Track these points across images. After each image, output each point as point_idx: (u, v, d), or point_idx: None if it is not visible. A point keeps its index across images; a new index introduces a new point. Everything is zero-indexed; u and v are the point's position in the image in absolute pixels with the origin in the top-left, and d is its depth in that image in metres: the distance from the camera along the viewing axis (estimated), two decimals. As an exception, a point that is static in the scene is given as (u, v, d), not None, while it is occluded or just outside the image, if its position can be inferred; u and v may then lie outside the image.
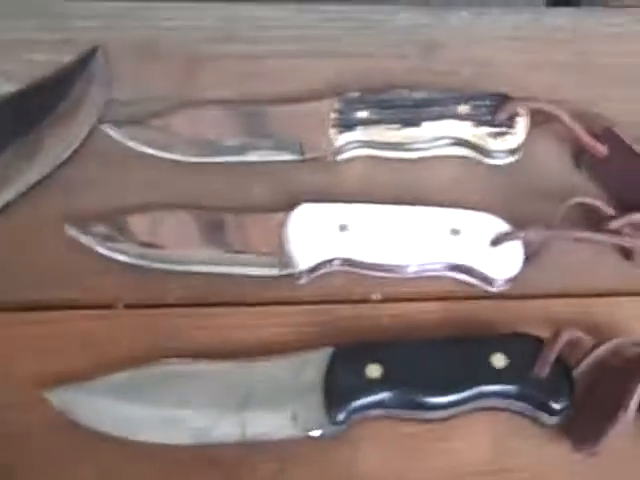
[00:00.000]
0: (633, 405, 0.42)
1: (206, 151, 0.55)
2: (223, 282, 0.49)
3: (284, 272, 0.49)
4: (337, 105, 0.54)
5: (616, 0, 0.67)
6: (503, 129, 0.53)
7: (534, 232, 0.49)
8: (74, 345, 0.47)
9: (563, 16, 0.63)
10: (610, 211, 0.50)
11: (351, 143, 0.54)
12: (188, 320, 0.48)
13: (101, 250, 0.50)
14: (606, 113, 0.55)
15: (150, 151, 0.55)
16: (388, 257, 0.49)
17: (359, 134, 0.54)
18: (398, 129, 0.54)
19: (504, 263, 0.49)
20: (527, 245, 0.49)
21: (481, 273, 0.49)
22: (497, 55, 0.60)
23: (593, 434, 0.42)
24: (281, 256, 0.49)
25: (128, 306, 0.49)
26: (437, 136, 0.54)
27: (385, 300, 0.49)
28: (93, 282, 0.50)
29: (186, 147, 0.55)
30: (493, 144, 0.53)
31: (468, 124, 0.54)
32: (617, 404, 0.42)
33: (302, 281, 0.49)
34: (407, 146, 0.54)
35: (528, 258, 0.49)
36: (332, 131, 0.54)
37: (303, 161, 0.54)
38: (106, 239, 0.50)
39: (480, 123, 0.54)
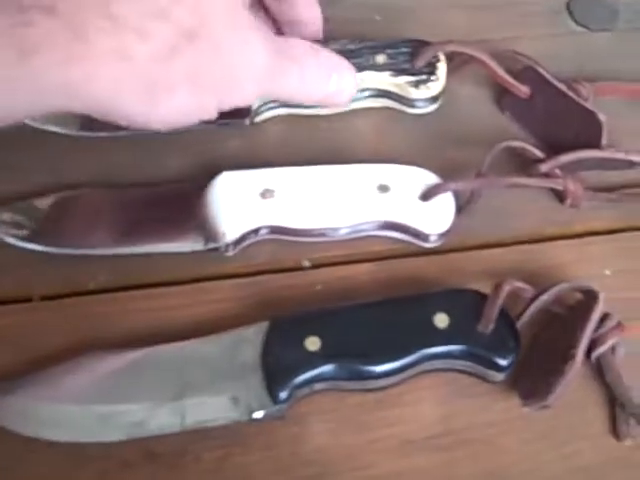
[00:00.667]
0: (580, 354, 0.41)
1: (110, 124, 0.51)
2: (146, 263, 0.46)
3: (209, 246, 0.46)
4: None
5: None
6: (423, 76, 0.52)
7: (465, 182, 0.48)
8: (-9, 344, 0.44)
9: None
10: (538, 154, 0.49)
11: (267, 103, 0.52)
12: (113, 306, 0.45)
13: (9, 240, 0.47)
14: (523, 51, 0.53)
15: (51, 128, 0.51)
16: (316, 221, 0.47)
17: None
18: None
19: (436, 217, 0.47)
20: (458, 196, 0.48)
21: (414, 229, 0.47)
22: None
23: (542, 387, 0.41)
24: (205, 230, 0.46)
25: (46, 298, 0.46)
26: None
27: (317, 266, 0.47)
28: (4, 276, 0.46)
29: (89, 121, 0.51)
30: (414, 93, 0.52)
31: (387, 74, 0.52)
32: (564, 354, 0.41)
33: (229, 253, 0.47)
34: (326, 101, 0.52)
35: (460, 209, 0.48)
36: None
37: (218, 126, 0.51)
38: (12, 227, 0.47)
39: (399, 72, 0.52)
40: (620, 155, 0.49)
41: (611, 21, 0.60)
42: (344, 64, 0.46)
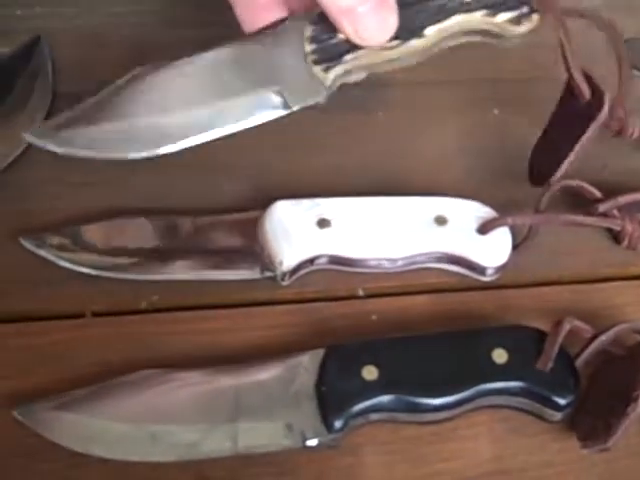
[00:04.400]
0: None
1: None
2: (200, 285, 0.46)
3: (265, 275, 0.46)
4: (309, 31, 0.44)
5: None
6: (524, 9, 0.43)
7: (522, 217, 0.47)
8: (43, 359, 0.43)
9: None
10: (597, 193, 0.48)
11: (341, 76, 0.45)
12: (165, 326, 0.45)
13: (62, 263, 0.46)
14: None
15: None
16: (373, 252, 0.46)
17: (349, 63, 0.44)
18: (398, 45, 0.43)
19: (493, 251, 0.47)
20: (514, 232, 0.47)
21: (470, 262, 0.46)
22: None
23: (602, 429, 0.40)
24: (261, 258, 0.46)
25: (97, 314, 0.46)
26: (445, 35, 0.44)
27: (372, 295, 0.47)
28: (58, 291, 0.46)
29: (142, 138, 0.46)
30: (517, 29, 0.44)
31: (480, 14, 0.43)
32: (625, 396, 0.40)
33: (285, 282, 0.46)
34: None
35: (516, 246, 0.47)
36: (316, 69, 0.43)
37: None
38: (64, 251, 0.46)
39: (495, 9, 0.43)
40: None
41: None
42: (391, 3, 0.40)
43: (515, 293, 0.47)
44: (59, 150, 0.45)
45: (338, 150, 0.53)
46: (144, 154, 0.45)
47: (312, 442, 0.40)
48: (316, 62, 0.43)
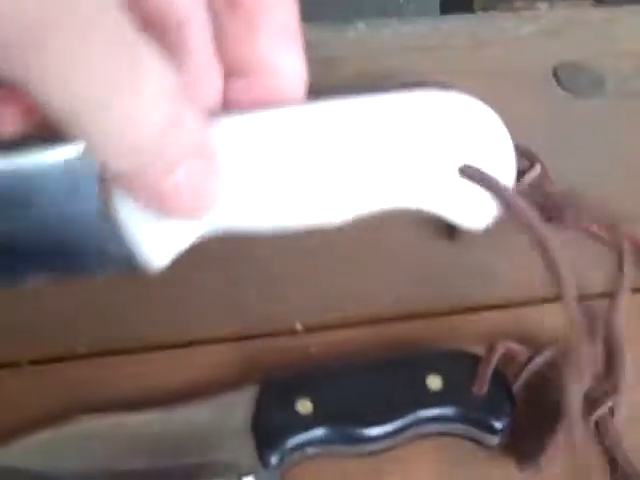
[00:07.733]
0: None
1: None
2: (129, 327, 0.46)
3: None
4: None
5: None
6: None
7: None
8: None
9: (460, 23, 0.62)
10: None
11: None
12: (106, 370, 0.44)
13: None
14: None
15: None
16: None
17: None
18: None
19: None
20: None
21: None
22: (400, 66, 0.58)
23: (535, 449, 0.40)
24: None
25: (34, 362, 0.45)
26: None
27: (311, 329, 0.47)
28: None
29: None
30: None
31: None
32: (555, 415, 0.40)
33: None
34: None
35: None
36: None
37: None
38: None
39: None
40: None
41: (597, 87, 0.60)
42: (213, 164, 0.30)
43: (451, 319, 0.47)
44: None
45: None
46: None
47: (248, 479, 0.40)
48: None
